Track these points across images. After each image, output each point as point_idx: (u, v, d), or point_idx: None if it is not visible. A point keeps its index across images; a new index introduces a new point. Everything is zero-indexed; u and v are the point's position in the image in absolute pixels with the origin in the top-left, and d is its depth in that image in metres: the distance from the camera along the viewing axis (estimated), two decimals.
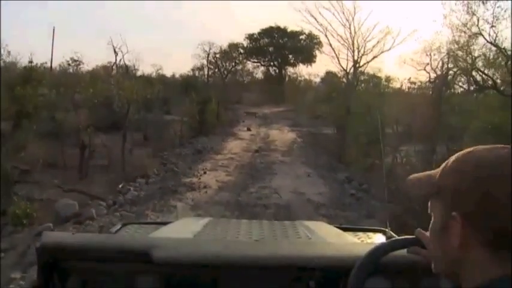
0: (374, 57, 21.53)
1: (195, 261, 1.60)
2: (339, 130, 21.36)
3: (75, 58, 28.92)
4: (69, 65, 29.12)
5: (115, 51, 27.74)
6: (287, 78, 50.49)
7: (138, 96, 16.63)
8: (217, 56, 42.22)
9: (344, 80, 24.14)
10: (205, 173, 15.25)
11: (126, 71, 25.65)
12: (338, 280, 1.51)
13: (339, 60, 22.14)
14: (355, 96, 19.96)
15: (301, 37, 49.66)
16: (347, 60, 21.78)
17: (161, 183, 13.98)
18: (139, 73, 30.72)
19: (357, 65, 21.34)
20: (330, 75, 28.24)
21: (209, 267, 1.60)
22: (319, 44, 45.73)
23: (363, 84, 22.77)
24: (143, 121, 24.53)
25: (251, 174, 15.12)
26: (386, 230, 2.50)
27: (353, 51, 21.18)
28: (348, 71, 21.87)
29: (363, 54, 21.26)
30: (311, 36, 47.33)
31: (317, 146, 22.87)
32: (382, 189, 14.29)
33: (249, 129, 27.81)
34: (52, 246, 1.62)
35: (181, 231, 2.37)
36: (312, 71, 57.34)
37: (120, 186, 14.78)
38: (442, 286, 1.49)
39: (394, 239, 1.45)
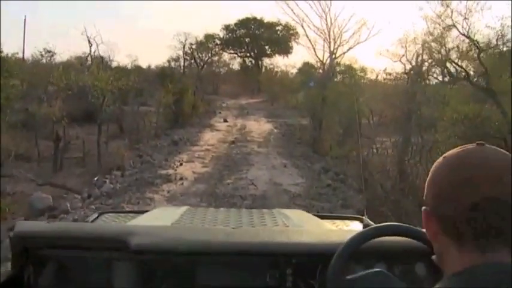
0: (350, 48, 21.60)
1: (173, 249, 1.59)
2: (315, 120, 21.43)
3: (48, 49, 28.50)
4: (42, 55, 28.76)
5: (89, 42, 27.24)
6: (263, 69, 49.69)
7: (113, 87, 16.35)
8: (193, 46, 41.93)
9: (320, 70, 24.17)
10: (181, 164, 15.15)
11: (102, 61, 25.19)
12: (315, 267, 1.50)
13: (315, 51, 22.18)
14: (331, 87, 20.02)
15: (277, 28, 49.07)
16: (323, 51, 21.82)
17: (137, 175, 13.84)
18: (114, 64, 30.13)
19: (333, 56, 21.36)
20: (306, 66, 28.24)
21: (186, 255, 1.60)
22: (296, 35, 45.03)
23: (339, 75, 22.82)
24: (119, 112, 24.26)
25: (227, 166, 15.09)
26: (364, 218, 2.52)
27: (329, 42, 21.21)
28: (324, 61, 21.89)
29: (338, 46, 21.31)
30: (287, 27, 46.78)
31: (293, 136, 22.93)
32: (358, 179, 14.44)
33: (225, 121, 27.71)
34: (26, 235, 1.60)
35: (159, 220, 2.36)
36: (289, 62, 56.97)
37: (95, 179, 14.60)
38: (417, 271, 1.52)
39: (371, 227, 1.44)
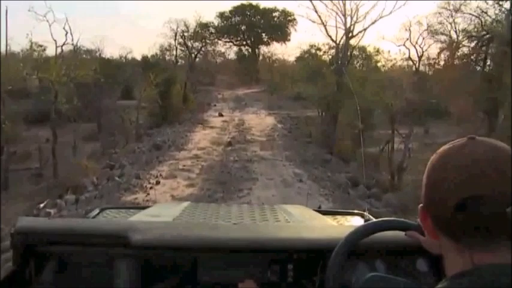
0: (373, 23, 16.63)
1: (174, 244, 1.50)
2: (328, 113, 16.80)
3: (40, 43, 24.42)
4: (34, 50, 24.88)
5: (70, 33, 22.56)
6: (261, 58, 44.90)
7: (70, 79, 11.66)
8: (186, 34, 36.88)
9: (330, 54, 19.44)
10: (158, 182, 10.48)
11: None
12: (316, 263, 1.41)
13: (326, 30, 17.23)
14: (350, 72, 15.37)
15: (274, 14, 44.30)
16: (336, 28, 16.85)
17: (94, 203, 9.27)
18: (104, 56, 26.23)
19: (350, 35, 16.46)
20: (312, 49, 23.00)
21: (188, 250, 1.50)
22: (294, 21, 41.37)
23: (358, 59, 18.07)
24: (95, 109, 19.66)
25: (222, 183, 10.41)
26: (365, 213, 2.31)
27: (344, 17, 16.27)
28: (338, 42, 16.95)
29: (356, 22, 16.38)
30: (285, 13, 42.64)
31: (302, 133, 18.35)
32: (401, 194, 9.94)
33: (221, 115, 23.10)
34: (27, 231, 1.49)
35: (160, 215, 2.18)
36: (287, 50, 52.31)
37: (41, 205, 10.26)
38: (418, 267, 1.41)
39: (375, 220, 1.39)
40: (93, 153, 16.60)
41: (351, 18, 16.19)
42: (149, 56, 31.32)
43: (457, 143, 0.86)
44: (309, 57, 25.23)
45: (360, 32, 16.43)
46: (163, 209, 2.49)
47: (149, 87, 18.40)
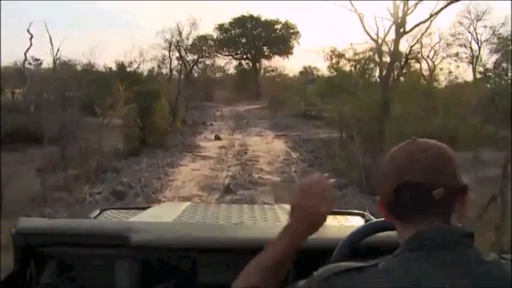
0: (441, 10, 11.03)
1: (174, 245, 1.47)
2: (365, 140, 11.36)
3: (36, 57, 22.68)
4: (30, 63, 23.42)
5: (51, 42, 17.89)
6: (262, 72, 41.26)
7: None
8: (180, 45, 31.61)
9: (357, 60, 14.07)
10: None
11: None
12: (317, 263, 1.25)
13: (363, 24, 11.78)
14: (404, 86, 10.02)
15: (276, 27, 40.67)
16: (376, 21, 11.31)
17: None
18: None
19: (402, 30, 10.95)
20: (334, 55, 17.49)
21: (188, 251, 1.47)
22: (296, 34, 39.30)
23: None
24: (54, 130, 14.19)
25: None
26: (365, 213, 2.21)
27: (394, 5, 10.77)
28: (380, 42, 11.48)
29: (406, 13, 10.87)
30: (287, 26, 39.81)
31: (326, 166, 12.78)
32: None
33: (218, 138, 17.57)
34: (28, 231, 1.47)
35: (161, 216, 2.13)
36: (289, 64, 47.54)
37: None
38: None
39: (372, 221, 1.37)
40: (35, 196, 11.07)
41: (403, 7, 10.79)
42: (127, 63, 25.57)
43: (403, 143, 0.96)
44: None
45: (422, 23, 10.93)
46: (163, 210, 2.41)
47: (117, 103, 12.99)
